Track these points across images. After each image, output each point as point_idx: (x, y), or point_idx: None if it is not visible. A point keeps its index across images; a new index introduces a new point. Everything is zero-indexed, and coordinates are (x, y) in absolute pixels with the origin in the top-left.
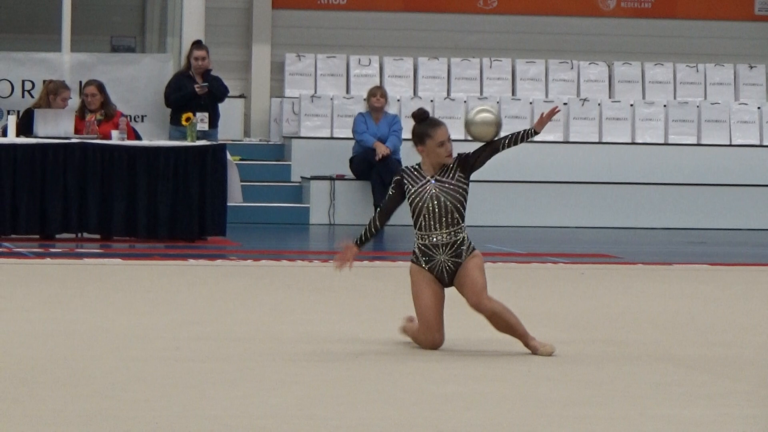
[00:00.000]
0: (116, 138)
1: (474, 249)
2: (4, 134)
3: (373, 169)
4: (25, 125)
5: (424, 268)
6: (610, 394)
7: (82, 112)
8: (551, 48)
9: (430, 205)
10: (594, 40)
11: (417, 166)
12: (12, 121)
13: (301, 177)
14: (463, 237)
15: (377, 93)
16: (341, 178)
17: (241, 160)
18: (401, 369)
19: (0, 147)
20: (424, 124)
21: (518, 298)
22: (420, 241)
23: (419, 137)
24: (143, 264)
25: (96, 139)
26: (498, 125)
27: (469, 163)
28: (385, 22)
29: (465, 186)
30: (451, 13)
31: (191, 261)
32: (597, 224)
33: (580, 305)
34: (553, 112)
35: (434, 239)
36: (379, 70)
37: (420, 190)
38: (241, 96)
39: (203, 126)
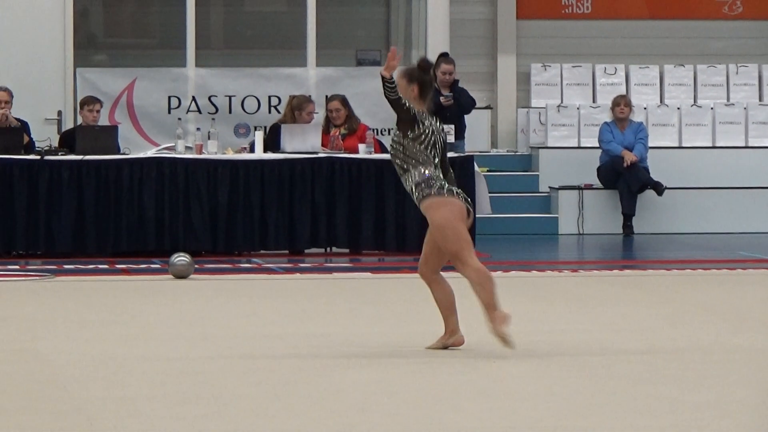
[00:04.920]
0: (363, 152)
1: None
2: (252, 150)
3: (621, 177)
4: (273, 141)
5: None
6: None
7: (326, 127)
8: None
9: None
10: None
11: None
12: (259, 137)
13: (549, 187)
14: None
15: (621, 102)
16: (589, 187)
17: (488, 171)
18: (647, 375)
19: (248, 163)
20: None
21: None
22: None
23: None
24: (392, 277)
25: (341, 153)
26: None
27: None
28: (631, 30)
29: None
30: (697, 19)
31: (440, 273)
32: None
33: None
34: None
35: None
36: (625, 79)
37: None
38: (487, 107)
39: (450, 138)
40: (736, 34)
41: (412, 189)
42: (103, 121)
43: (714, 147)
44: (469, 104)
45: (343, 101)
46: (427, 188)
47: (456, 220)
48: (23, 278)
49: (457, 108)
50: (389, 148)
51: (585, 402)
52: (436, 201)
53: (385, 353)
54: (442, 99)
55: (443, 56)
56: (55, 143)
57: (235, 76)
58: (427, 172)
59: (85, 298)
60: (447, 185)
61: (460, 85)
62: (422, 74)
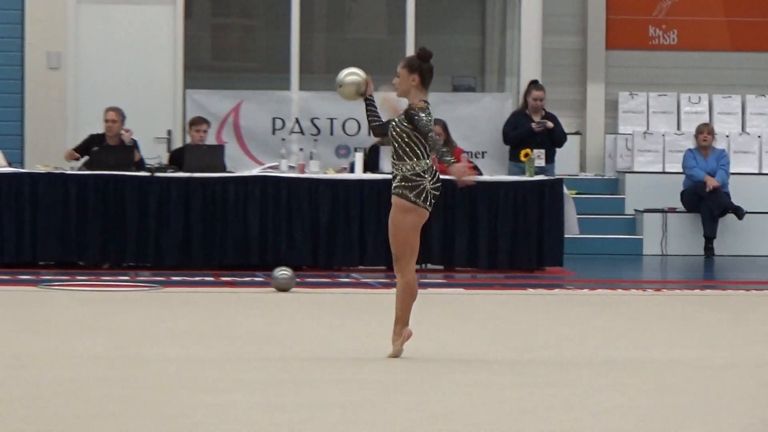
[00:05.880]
0: None
1: (401, 196)
2: (352, 170)
3: (703, 201)
4: (372, 161)
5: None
6: None
7: None
8: None
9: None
10: None
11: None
12: (359, 158)
13: (635, 210)
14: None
15: (704, 131)
16: (672, 210)
17: (577, 194)
18: (727, 389)
19: (348, 182)
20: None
21: None
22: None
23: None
24: (485, 293)
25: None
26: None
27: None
28: (715, 61)
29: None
30: None
31: (530, 290)
32: None
33: None
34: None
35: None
36: (708, 108)
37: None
38: (576, 133)
39: (540, 162)
40: None
41: (399, 177)
42: (211, 140)
43: (760, 173)
44: (560, 139)
45: (444, 126)
46: (408, 190)
47: (412, 228)
48: (133, 289)
49: (547, 134)
50: (391, 129)
51: (667, 414)
52: (407, 206)
53: (474, 365)
54: (534, 125)
55: (533, 83)
56: (165, 161)
57: (337, 100)
58: (418, 167)
59: (191, 308)
60: (426, 189)
61: (551, 111)
62: (422, 63)
